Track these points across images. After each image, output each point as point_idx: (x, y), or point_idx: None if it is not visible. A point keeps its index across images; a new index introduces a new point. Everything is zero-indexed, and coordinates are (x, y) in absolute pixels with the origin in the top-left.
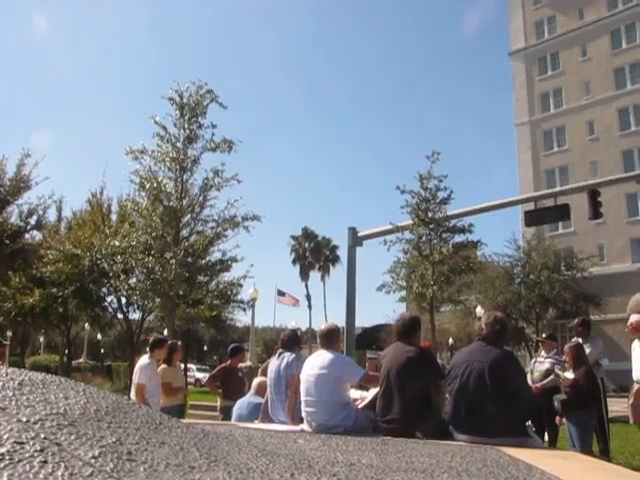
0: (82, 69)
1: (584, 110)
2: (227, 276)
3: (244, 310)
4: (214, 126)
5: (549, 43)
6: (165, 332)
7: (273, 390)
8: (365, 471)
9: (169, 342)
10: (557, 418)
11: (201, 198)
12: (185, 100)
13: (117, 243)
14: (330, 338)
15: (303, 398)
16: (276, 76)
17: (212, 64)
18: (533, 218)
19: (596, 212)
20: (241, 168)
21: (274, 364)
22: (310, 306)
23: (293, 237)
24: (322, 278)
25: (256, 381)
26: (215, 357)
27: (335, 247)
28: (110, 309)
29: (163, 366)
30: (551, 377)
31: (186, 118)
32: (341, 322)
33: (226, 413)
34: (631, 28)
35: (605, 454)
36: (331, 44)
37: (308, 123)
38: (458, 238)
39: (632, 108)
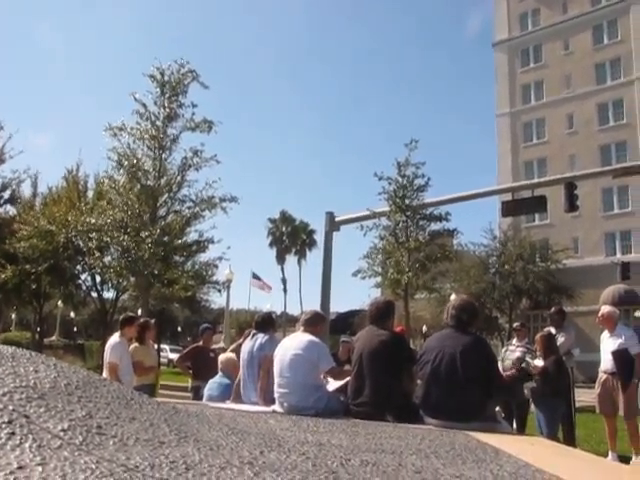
0: (64, 43)
1: (564, 103)
2: (203, 257)
3: (219, 291)
4: (194, 105)
5: (532, 35)
6: (139, 311)
7: (245, 371)
8: (334, 451)
9: (141, 320)
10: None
11: (179, 177)
12: (166, 78)
13: (93, 220)
14: (313, 321)
15: (276, 379)
16: (258, 58)
17: (194, 43)
18: (510, 208)
19: (572, 205)
20: (220, 149)
21: (247, 345)
22: (285, 290)
23: (270, 220)
24: (298, 262)
25: (222, 357)
26: (189, 338)
27: (312, 231)
28: (84, 287)
29: (135, 344)
30: (521, 366)
31: (166, 96)
32: (316, 307)
33: (196, 393)
34: (613, 24)
35: (570, 442)
36: (314, 31)
37: (288, 106)
38: (435, 226)
39: (611, 104)
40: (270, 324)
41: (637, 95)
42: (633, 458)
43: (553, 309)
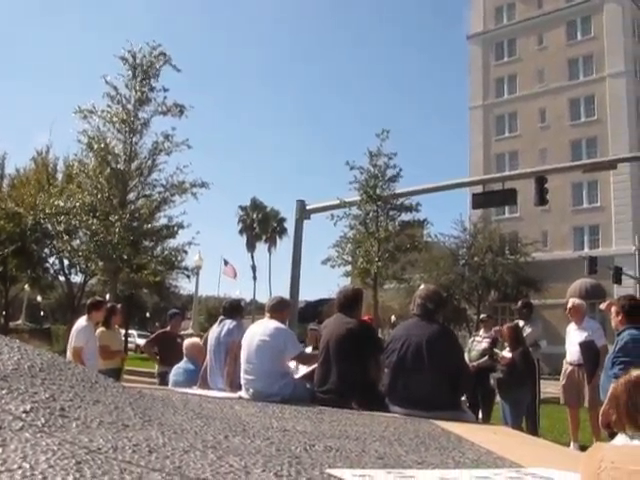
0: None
1: (537, 98)
2: (172, 242)
3: (188, 277)
4: (166, 90)
5: (507, 29)
6: (107, 296)
7: (213, 357)
8: (298, 437)
9: (108, 305)
10: None
11: (150, 162)
12: (138, 61)
13: (61, 203)
14: (279, 307)
15: (243, 365)
16: (231, 44)
17: (170, 28)
18: (480, 201)
19: (542, 199)
20: (192, 135)
21: (215, 331)
22: (255, 277)
23: (241, 207)
24: (269, 250)
25: (186, 342)
26: (157, 324)
27: (283, 219)
28: (52, 271)
29: (101, 329)
30: (486, 357)
31: (138, 79)
32: (285, 295)
33: (163, 379)
34: (587, 21)
35: (533, 432)
36: (290, 19)
37: (260, 94)
38: (405, 216)
39: (583, 99)
40: (237, 310)
41: (608, 91)
42: None
43: (520, 302)
